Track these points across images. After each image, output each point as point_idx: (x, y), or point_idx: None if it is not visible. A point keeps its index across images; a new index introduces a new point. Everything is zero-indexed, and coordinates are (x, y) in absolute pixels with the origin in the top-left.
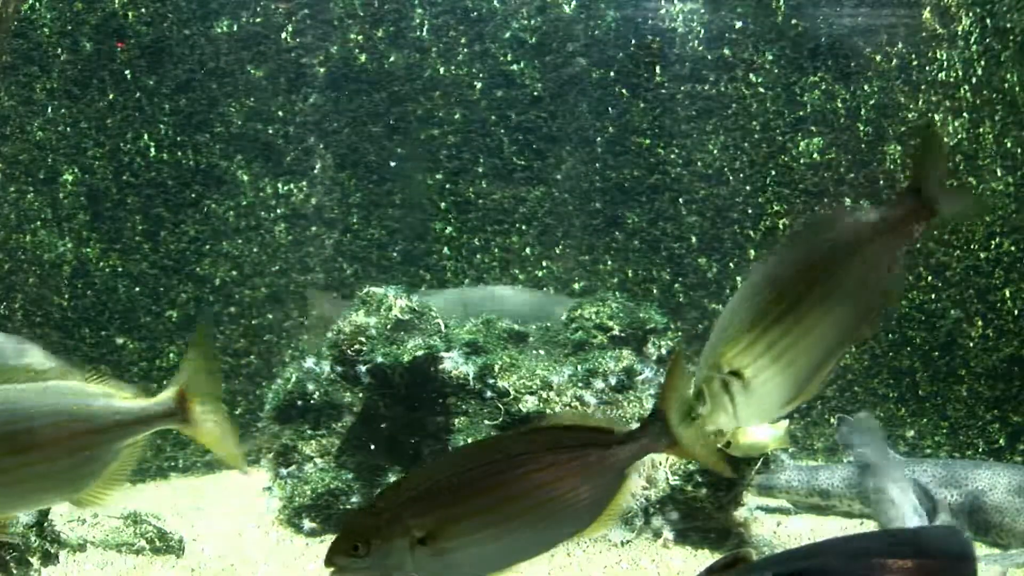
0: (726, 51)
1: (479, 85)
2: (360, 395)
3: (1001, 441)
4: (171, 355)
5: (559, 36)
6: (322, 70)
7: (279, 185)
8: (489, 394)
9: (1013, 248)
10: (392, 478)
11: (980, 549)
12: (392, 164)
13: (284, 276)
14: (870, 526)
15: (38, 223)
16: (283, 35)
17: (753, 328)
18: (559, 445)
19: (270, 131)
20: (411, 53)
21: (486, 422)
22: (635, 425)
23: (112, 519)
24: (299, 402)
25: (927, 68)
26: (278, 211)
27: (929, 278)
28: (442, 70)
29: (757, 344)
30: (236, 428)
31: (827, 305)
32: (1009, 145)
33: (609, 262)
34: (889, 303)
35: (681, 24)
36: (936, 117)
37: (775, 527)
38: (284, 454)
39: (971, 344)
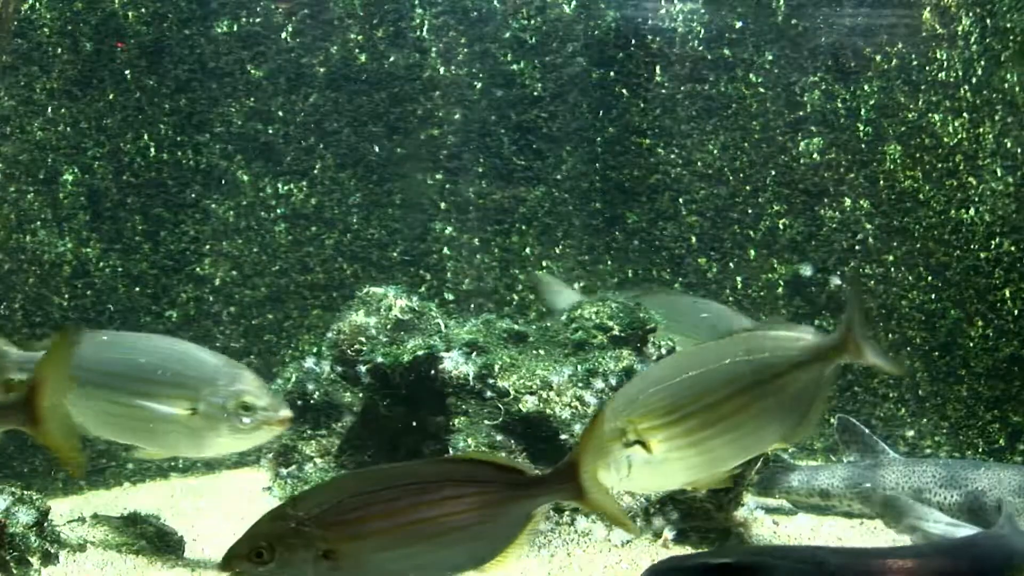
0: (726, 51)
1: (479, 85)
2: (360, 395)
3: (1001, 441)
4: None
5: (559, 36)
6: (322, 70)
7: (279, 185)
8: (489, 394)
9: (1013, 248)
10: None
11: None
12: (392, 164)
13: (284, 276)
14: (870, 526)
15: (38, 223)
16: (283, 35)
17: (672, 413)
18: (471, 479)
19: (270, 131)
20: (411, 53)
21: (486, 422)
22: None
23: (112, 519)
24: (299, 402)
25: (927, 68)
26: (278, 211)
27: (929, 278)
28: (442, 70)
29: (674, 427)
30: (78, 434)
31: (750, 414)
32: (1009, 145)
33: (609, 262)
34: (809, 421)
35: (681, 24)
36: (936, 117)
37: (775, 527)
38: (284, 454)
39: (971, 344)
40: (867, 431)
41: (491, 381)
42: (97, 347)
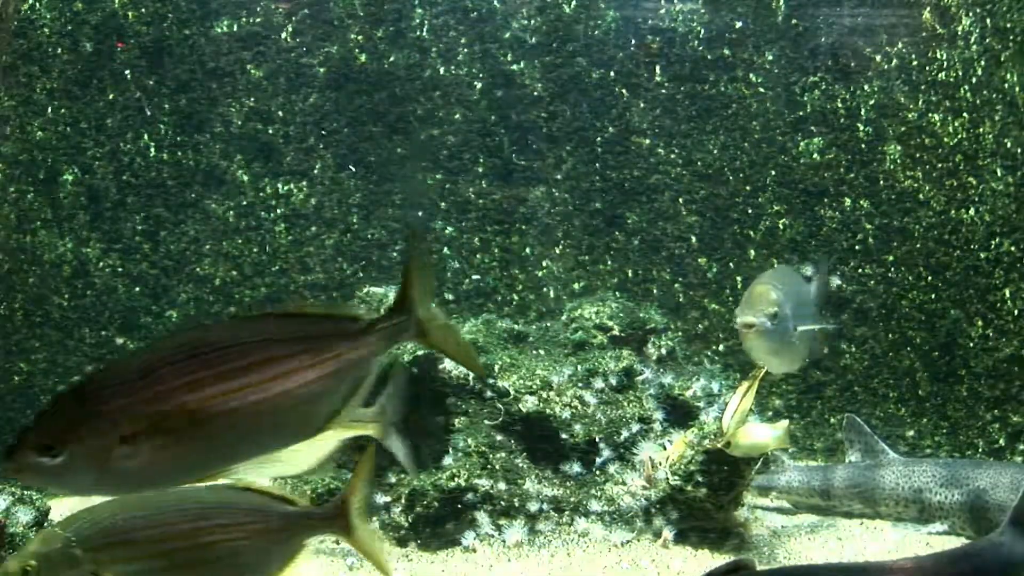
0: (726, 51)
1: (479, 85)
2: None
3: (1001, 441)
4: None
5: (559, 36)
6: (322, 70)
7: (279, 185)
8: (489, 394)
9: (1013, 248)
10: (392, 478)
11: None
12: (392, 164)
13: (284, 276)
14: (869, 526)
15: (38, 223)
16: (283, 35)
17: (127, 545)
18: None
19: (270, 131)
20: (411, 53)
21: (486, 422)
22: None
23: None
24: None
25: (927, 68)
26: (278, 211)
27: (929, 278)
28: (442, 70)
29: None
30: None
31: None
32: (1009, 145)
33: (609, 262)
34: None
35: (681, 24)
36: (936, 117)
37: (775, 527)
38: None
39: (971, 344)
40: (871, 432)
41: (491, 381)
42: None
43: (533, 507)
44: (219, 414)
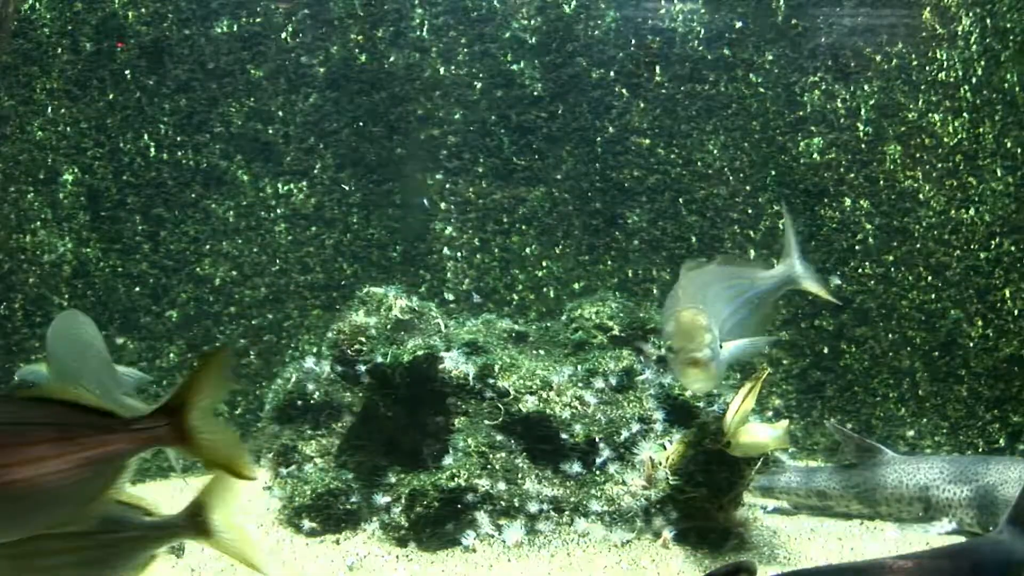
0: (726, 51)
1: (479, 85)
2: (360, 395)
3: (1001, 441)
4: (171, 355)
5: (559, 36)
6: (322, 70)
7: (279, 185)
8: (489, 394)
9: (1013, 248)
10: (392, 478)
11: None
12: (392, 164)
13: (284, 276)
14: (869, 526)
15: (38, 223)
16: (283, 35)
17: None
18: (49, 423)
19: (270, 131)
20: (411, 53)
21: (486, 422)
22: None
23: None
24: (299, 402)
25: (927, 68)
26: (278, 211)
27: (929, 278)
28: (442, 70)
29: None
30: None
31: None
32: (1009, 145)
33: (609, 262)
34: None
35: (681, 24)
36: (936, 117)
37: (774, 527)
38: (284, 454)
39: (971, 344)
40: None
41: (491, 381)
42: None
43: (533, 507)
44: None
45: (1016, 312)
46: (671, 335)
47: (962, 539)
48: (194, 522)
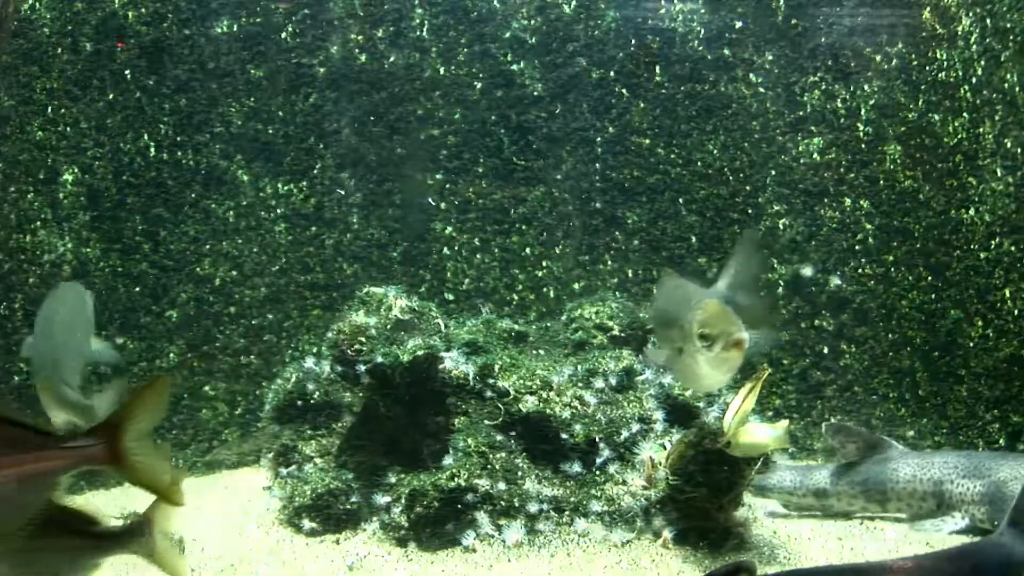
0: (726, 51)
1: (479, 85)
2: (360, 395)
3: (1001, 441)
4: (171, 355)
5: (559, 36)
6: (322, 70)
7: (279, 185)
8: (489, 394)
9: (1013, 248)
10: (392, 478)
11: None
12: (392, 164)
13: (284, 276)
14: (869, 526)
15: (38, 223)
16: (283, 35)
17: None
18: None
19: (270, 131)
20: (411, 53)
21: (486, 422)
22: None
23: (112, 519)
24: (299, 402)
25: (927, 68)
26: (278, 211)
27: (929, 278)
28: (442, 70)
29: None
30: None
31: None
32: (1009, 145)
33: (609, 262)
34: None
35: (681, 24)
36: (936, 117)
37: (774, 527)
38: (284, 454)
39: (971, 344)
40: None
41: (491, 381)
42: None
43: (533, 507)
44: None
45: (1016, 312)
46: (702, 324)
47: (962, 540)
48: (136, 538)
